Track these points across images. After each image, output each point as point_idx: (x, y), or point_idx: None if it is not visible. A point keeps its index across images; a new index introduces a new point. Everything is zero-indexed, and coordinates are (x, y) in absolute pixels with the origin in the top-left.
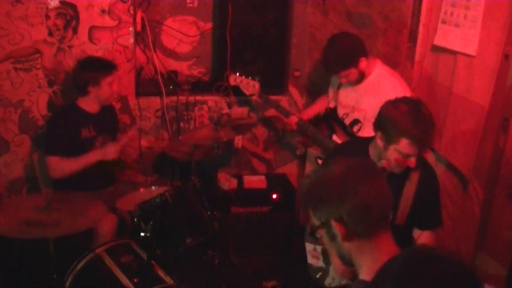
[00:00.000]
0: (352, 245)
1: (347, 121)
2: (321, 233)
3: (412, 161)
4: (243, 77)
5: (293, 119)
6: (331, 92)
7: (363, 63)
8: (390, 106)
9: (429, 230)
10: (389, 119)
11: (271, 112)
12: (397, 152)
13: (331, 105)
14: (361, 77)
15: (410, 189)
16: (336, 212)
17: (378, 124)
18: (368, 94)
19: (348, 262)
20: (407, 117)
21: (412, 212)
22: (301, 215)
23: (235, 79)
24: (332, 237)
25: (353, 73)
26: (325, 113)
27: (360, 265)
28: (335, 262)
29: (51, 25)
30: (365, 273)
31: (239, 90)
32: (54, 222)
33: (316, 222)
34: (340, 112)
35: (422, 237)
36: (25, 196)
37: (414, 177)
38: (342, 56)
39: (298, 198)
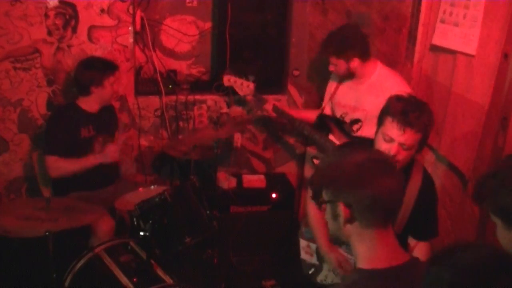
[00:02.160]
0: (353, 230)
1: (346, 120)
2: (325, 207)
3: (394, 148)
4: (237, 77)
5: (268, 106)
6: (327, 89)
7: (354, 63)
8: (393, 96)
9: (425, 241)
10: (384, 106)
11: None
12: (382, 135)
13: (327, 110)
14: (350, 74)
15: (410, 199)
16: (346, 196)
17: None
18: (370, 94)
19: (339, 241)
20: (399, 101)
21: (410, 222)
22: (300, 214)
23: (229, 79)
24: (335, 216)
25: (341, 65)
26: (320, 114)
27: (358, 252)
28: (332, 267)
29: (50, 25)
30: (363, 262)
31: (249, 79)
32: (52, 218)
33: (324, 197)
34: (338, 112)
35: (418, 248)
36: (24, 199)
37: (415, 187)
38: (339, 44)
39: (313, 173)
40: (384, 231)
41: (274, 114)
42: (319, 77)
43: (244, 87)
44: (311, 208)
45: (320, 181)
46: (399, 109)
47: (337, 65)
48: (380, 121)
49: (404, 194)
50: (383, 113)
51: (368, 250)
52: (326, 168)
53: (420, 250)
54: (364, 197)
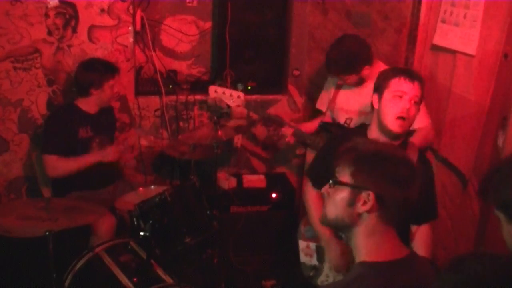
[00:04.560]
0: (366, 221)
1: (353, 126)
2: (326, 188)
3: (407, 103)
4: (225, 88)
5: (289, 130)
6: (324, 95)
7: (365, 72)
8: (382, 71)
9: (425, 224)
10: (378, 78)
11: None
12: (392, 94)
13: (327, 112)
14: (360, 81)
15: None
16: (381, 188)
17: (374, 91)
18: None
19: (336, 227)
20: (392, 68)
21: None
22: (300, 214)
23: (216, 90)
24: (351, 202)
25: (352, 78)
26: (321, 123)
27: (362, 245)
28: (333, 258)
29: (50, 24)
30: (366, 255)
31: (238, 89)
32: (52, 218)
33: (345, 179)
34: (341, 117)
35: (420, 231)
36: (24, 198)
37: None
38: (346, 61)
39: (344, 149)
40: (393, 228)
41: (293, 139)
42: (319, 77)
43: (234, 97)
44: (310, 197)
45: (351, 162)
46: (400, 69)
47: (348, 79)
48: (383, 87)
49: None
50: (384, 79)
51: (374, 244)
52: (363, 152)
53: (421, 234)
54: (398, 196)
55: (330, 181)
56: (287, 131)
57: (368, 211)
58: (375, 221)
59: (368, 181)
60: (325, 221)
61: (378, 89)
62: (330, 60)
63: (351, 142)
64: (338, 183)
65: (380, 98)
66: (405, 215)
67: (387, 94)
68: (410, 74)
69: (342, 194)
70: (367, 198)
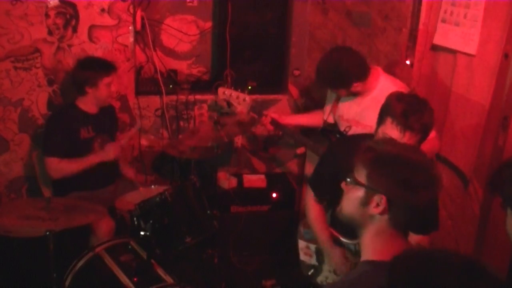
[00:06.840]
0: (377, 222)
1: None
2: (344, 184)
3: None
4: (233, 89)
5: (267, 119)
6: (328, 108)
7: (356, 88)
8: (393, 94)
9: (425, 236)
10: (384, 104)
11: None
12: (382, 135)
13: (330, 119)
14: (353, 94)
15: None
16: (397, 195)
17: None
18: (374, 109)
19: (349, 224)
20: (400, 101)
21: None
22: (301, 214)
23: (224, 92)
24: (364, 202)
25: (342, 92)
26: (323, 127)
27: (369, 244)
28: (337, 264)
29: (50, 24)
30: (372, 254)
31: (238, 88)
32: (53, 218)
33: (361, 179)
34: (342, 125)
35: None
36: (25, 198)
37: None
38: (333, 76)
39: (364, 148)
40: (403, 233)
41: (271, 127)
42: None
43: (241, 100)
44: (312, 207)
45: (368, 163)
46: (400, 111)
47: (338, 92)
48: (380, 120)
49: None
50: (384, 112)
51: (380, 244)
52: (381, 154)
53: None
54: (412, 202)
55: (347, 179)
56: (265, 120)
57: (380, 214)
58: (384, 224)
59: (381, 184)
60: (340, 215)
61: (379, 115)
62: (318, 73)
63: (372, 141)
64: (354, 182)
65: (377, 127)
66: (419, 221)
67: (380, 131)
68: (405, 121)
69: (357, 193)
70: (380, 202)
